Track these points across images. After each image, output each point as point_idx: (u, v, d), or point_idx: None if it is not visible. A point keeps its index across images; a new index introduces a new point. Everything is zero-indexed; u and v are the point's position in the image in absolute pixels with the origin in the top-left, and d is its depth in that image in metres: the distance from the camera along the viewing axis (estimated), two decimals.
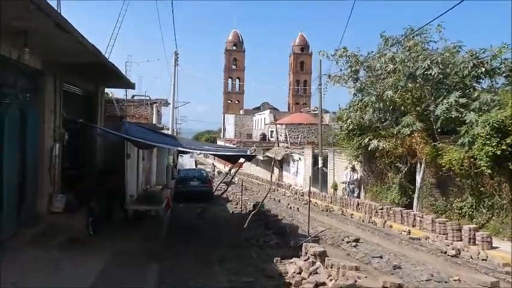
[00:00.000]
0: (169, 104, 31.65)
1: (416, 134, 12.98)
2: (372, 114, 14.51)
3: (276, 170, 35.48)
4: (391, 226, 12.67)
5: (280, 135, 50.82)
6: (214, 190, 17.94)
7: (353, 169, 17.83)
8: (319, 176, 21.57)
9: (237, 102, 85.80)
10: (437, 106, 12.59)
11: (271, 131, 59.40)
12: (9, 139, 6.89)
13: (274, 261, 8.10)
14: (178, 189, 18.18)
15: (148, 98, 29.91)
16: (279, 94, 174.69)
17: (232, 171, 17.58)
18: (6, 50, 6.55)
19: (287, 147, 35.40)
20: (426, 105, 13.65)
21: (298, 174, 28.16)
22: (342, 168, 20.22)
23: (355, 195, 17.59)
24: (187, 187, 18.44)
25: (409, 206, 14.21)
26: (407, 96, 13.79)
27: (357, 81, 15.50)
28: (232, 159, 12.01)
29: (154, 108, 28.95)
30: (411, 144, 13.42)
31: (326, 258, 7.32)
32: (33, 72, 7.88)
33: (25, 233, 7.36)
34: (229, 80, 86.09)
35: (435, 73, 12.43)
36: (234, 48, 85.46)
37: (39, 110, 8.17)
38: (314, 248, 7.69)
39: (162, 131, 15.88)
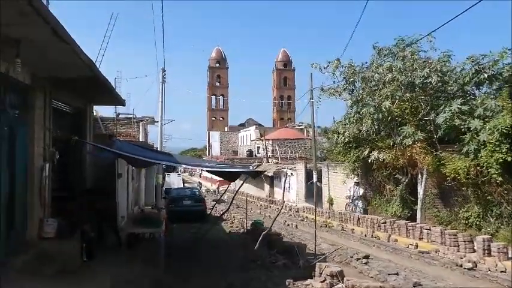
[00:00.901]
0: (155, 122, 31.06)
1: (417, 144, 12.72)
2: (371, 125, 14.22)
3: (267, 186, 35.02)
4: (396, 240, 12.26)
5: (268, 151, 50.51)
6: (211, 210, 17.28)
7: (357, 183, 16.94)
8: (314, 191, 21.11)
9: (221, 119, 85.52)
10: (437, 115, 12.40)
11: (258, 147, 59.11)
12: None
13: (287, 283, 7.57)
14: (170, 208, 17.48)
15: (134, 116, 29.33)
16: (263, 110, 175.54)
17: (232, 187, 16.98)
18: None
19: (277, 162, 34.96)
20: (425, 115, 13.47)
21: (290, 189, 27.70)
22: (338, 183, 19.88)
23: (360, 210, 16.49)
24: (179, 206, 17.74)
25: (411, 218, 13.89)
26: (405, 106, 13.60)
27: (353, 93, 15.30)
28: (232, 177, 11.46)
29: (141, 126, 28.33)
30: (412, 155, 13.16)
31: (345, 278, 6.85)
32: (21, 87, 7.30)
33: (15, 262, 6.68)
34: (213, 97, 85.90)
35: (434, 81, 12.28)
36: (217, 65, 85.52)
37: (28, 127, 7.56)
38: (330, 268, 7.21)
39: (156, 149, 15.27)
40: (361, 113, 14.33)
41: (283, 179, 30.47)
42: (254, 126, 67.50)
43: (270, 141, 50.29)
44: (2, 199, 6.51)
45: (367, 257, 10.05)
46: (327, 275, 7.09)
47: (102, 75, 8.46)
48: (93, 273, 7.69)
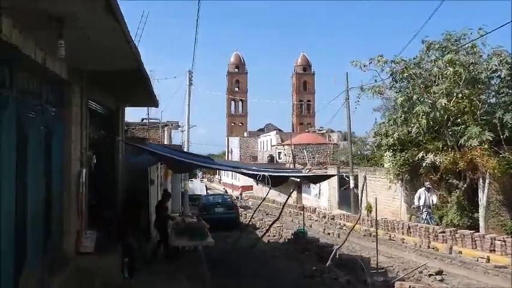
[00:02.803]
0: (179, 127, 30.44)
1: (484, 146, 11.48)
2: (426, 125, 12.97)
3: (294, 192, 33.85)
4: (460, 252, 10.99)
5: (289, 156, 49.51)
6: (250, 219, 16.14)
7: (428, 189, 13.80)
8: (351, 198, 19.97)
9: (240, 124, 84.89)
10: (505, 112, 11.15)
11: (279, 152, 58.06)
12: (34, 164, 5.38)
13: None
14: (202, 216, 16.52)
15: (158, 120, 28.73)
16: (282, 115, 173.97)
17: (255, 194, 15.77)
18: (31, 50, 5.11)
19: (306, 168, 33.79)
20: (485, 113, 12.21)
21: (321, 196, 26.52)
22: (378, 188, 18.69)
23: (435, 222, 13.64)
24: (212, 214, 16.73)
25: (471, 227, 12.61)
26: (464, 103, 12.35)
27: (401, 91, 14.10)
28: (281, 182, 10.40)
29: (166, 131, 27.63)
30: (472, 158, 11.91)
31: None
32: (58, 81, 6.43)
33: (51, 281, 5.79)
34: (232, 102, 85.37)
35: (504, 74, 11.05)
36: (236, 70, 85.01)
37: (65, 128, 6.68)
38: None
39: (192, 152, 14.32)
40: (414, 111, 13.09)
41: (312, 185, 29.40)
42: (275, 131, 66.58)
43: (292, 146, 49.17)
44: (39, 213, 5.63)
45: (440, 272, 8.85)
46: None
47: (145, 69, 7.55)
48: None
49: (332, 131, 58.79)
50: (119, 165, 10.68)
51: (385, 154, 19.93)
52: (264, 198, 13.91)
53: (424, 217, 13.76)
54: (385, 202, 18.11)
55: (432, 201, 13.78)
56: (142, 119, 28.70)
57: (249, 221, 14.91)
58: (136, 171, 11.67)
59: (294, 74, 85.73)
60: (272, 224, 10.44)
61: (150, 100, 11.18)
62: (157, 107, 13.75)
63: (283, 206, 12.94)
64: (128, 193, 10.98)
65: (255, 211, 15.87)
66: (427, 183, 13.82)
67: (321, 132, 61.19)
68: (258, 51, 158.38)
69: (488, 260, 9.98)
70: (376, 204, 9.89)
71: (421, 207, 13.97)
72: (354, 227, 9.53)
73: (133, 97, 10.65)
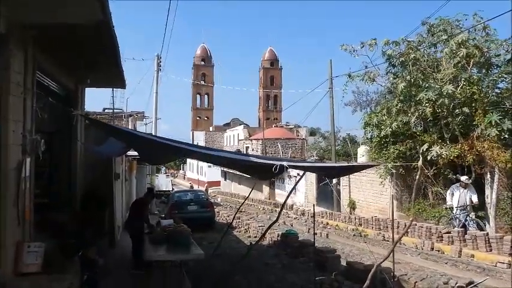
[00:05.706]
0: (145, 117, 28.39)
1: (501, 135, 10.33)
2: (431, 115, 11.71)
3: (266, 188, 32.47)
4: (472, 256, 9.83)
5: (257, 151, 48.10)
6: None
7: (465, 185, 11.16)
8: (333, 194, 18.69)
9: (206, 118, 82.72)
10: None
11: (247, 147, 56.62)
12: None
13: None
14: (174, 216, 14.66)
15: (122, 110, 26.41)
16: (248, 110, 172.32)
17: (222, 189, 14.05)
18: None
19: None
20: (497, 102, 11.11)
21: (297, 192, 25.14)
22: (364, 184, 17.50)
23: (473, 226, 11.00)
24: (185, 213, 14.84)
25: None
26: (472, 90, 11.15)
27: (402, 76, 12.79)
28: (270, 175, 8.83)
29: (130, 122, 25.37)
30: (481, 150, 10.76)
31: None
32: None
33: None
34: (198, 96, 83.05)
35: None
36: (202, 63, 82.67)
37: None
38: None
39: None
40: (417, 99, 11.78)
41: (286, 180, 28.07)
42: (242, 126, 65.09)
43: (260, 141, 47.81)
44: None
45: (470, 283, 7.50)
46: None
47: (112, 24, 5.65)
48: None
49: (299, 126, 58.35)
50: (78, 154, 8.80)
51: (362, 147, 18.82)
52: (247, 197, 12.17)
53: (460, 219, 11.31)
54: (372, 199, 16.94)
55: (471, 200, 11.12)
56: (104, 109, 26.29)
57: (232, 221, 13.18)
58: (99, 163, 9.85)
59: (261, 69, 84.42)
60: (268, 228, 8.77)
61: (116, 76, 9.18)
62: (124, 87, 11.75)
63: (282, 206, 11.36)
64: (89, 189, 9.11)
65: (237, 211, 14.20)
66: (464, 177, 11.28)
67: (289, 127, 60.49)
68: (226, 44, 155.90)
69: (509, 265, 8.84)
70: (392, 204, 8.42)
71: (455, 208, 11.38)
72: (401, 236, 7.40)
73: (96, 71, 8.64)
